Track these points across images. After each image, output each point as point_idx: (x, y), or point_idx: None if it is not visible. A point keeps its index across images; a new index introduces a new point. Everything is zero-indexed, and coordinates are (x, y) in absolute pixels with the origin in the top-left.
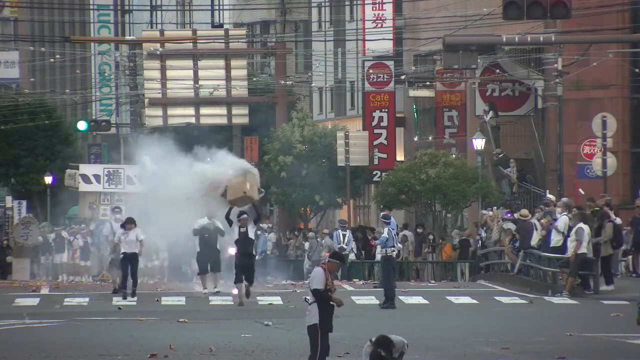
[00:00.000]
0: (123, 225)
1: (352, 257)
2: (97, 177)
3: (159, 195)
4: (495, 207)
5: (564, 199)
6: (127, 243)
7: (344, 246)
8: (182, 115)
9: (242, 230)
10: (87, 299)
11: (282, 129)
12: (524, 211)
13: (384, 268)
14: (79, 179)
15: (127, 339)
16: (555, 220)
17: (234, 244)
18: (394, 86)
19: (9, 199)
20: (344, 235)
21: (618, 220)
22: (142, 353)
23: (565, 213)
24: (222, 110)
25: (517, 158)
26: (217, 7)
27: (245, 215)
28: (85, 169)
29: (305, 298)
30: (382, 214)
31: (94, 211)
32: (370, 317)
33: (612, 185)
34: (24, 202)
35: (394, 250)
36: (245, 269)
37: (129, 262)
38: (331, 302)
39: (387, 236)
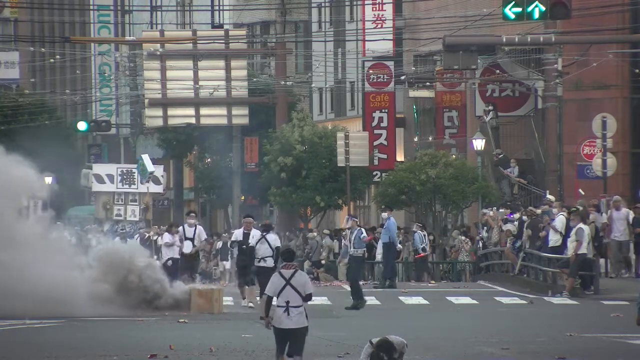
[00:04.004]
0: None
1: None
2: (111, 177)
3: None
4: (495, 208)
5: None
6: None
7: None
8: (182, 116)
9: (246, 232)
10: None
11: (281, 130)
12: (532, 208)
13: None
14: (92, 178)
15: (127, 339)
16: (553, 220)
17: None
18: (394, 86)
19: None
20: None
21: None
22: (142, 353)
23: (562, 213)
24: (222, 111)
25: (517, 158)
26: (217, 8)
27: (250, 218)
28: (98, 168)
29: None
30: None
31: (108, 211)
32: (370, 317)
33: (612, 186)
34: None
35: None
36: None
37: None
38: None
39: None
